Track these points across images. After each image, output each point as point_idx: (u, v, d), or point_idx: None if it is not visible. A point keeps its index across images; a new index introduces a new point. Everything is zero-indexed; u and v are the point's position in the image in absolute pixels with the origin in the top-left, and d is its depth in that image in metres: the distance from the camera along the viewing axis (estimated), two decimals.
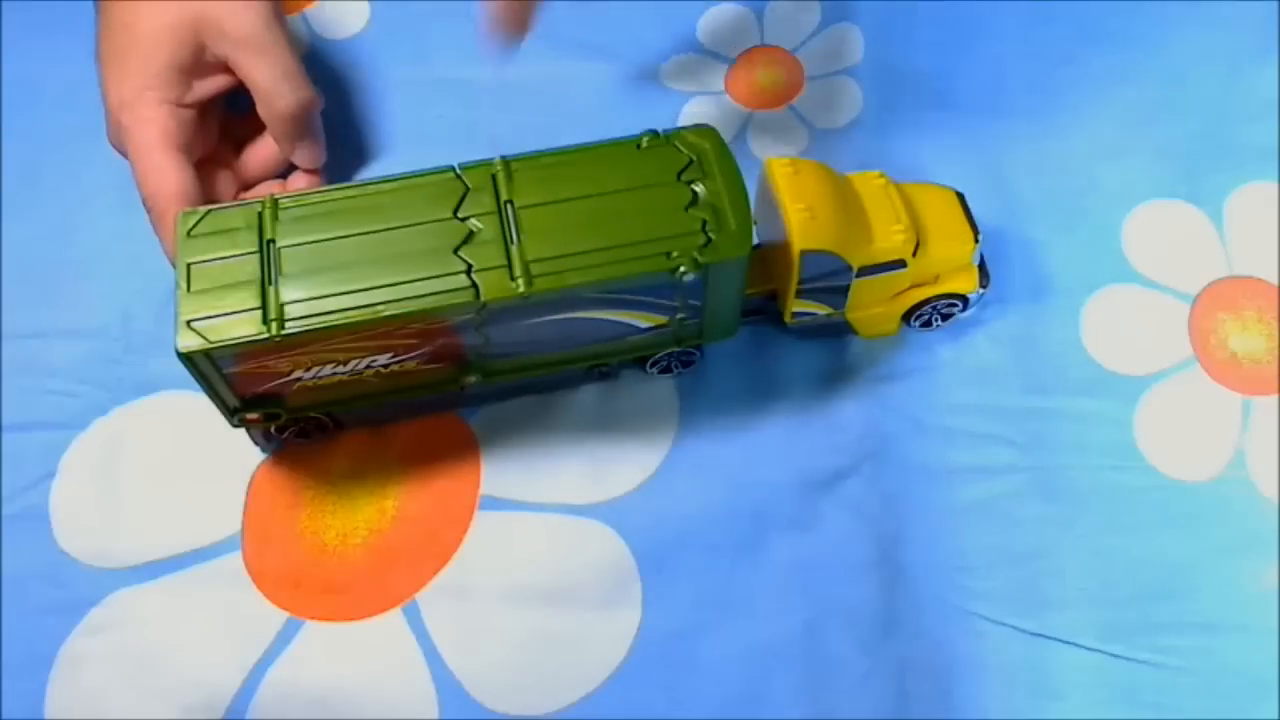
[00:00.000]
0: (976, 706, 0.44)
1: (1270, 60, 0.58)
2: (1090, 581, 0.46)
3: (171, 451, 0.48)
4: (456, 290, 0.40)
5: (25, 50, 0.58)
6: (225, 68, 0.48)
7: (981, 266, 0.49)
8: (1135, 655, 0.45)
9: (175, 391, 0.49)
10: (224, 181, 0.51)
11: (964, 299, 0.49)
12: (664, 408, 0.49)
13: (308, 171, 0.52)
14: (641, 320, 0.44)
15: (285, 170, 0.53)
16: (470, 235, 0.41)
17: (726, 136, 0.56)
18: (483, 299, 0.40)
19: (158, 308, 0.50)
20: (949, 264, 0.48)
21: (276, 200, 0.42)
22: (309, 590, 0.46)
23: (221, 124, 0.52)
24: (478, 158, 0.43)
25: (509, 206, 0.42)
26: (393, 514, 0.47)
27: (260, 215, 0.42)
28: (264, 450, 0.48)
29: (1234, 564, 0.46)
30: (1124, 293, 0.52)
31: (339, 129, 0.56)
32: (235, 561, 0.46)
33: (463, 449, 0.48)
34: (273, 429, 0.46)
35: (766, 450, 0.48)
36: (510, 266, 0.40)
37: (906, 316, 0.50)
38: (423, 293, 0.40)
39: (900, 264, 0.46)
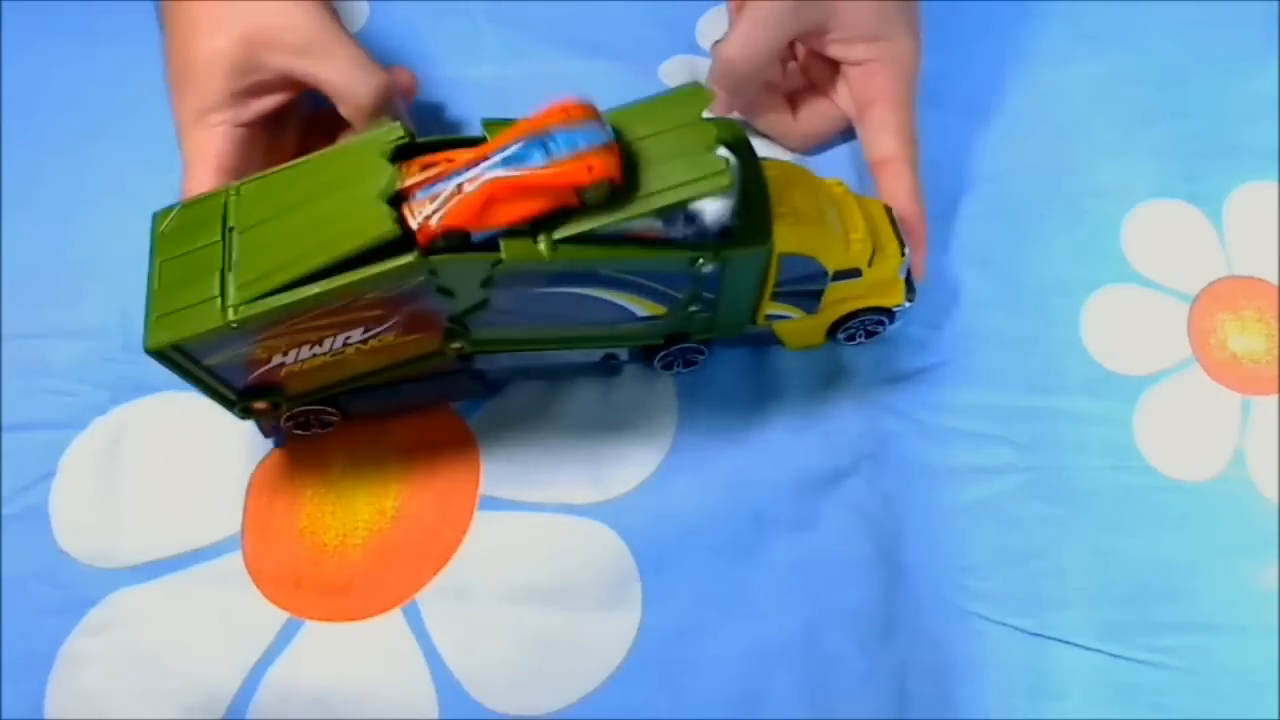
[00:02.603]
0: (976, 706, 0.44)
1: (1270, 60, 0.58)
2: (1090, 581, 0.46)
3: (171, 451, 0.48)
4: (403, 258, 0.38)
5: (25, 51, 0.58)
6: (285, 79, 0.47)
7: (907, 280, 0.48)
8: (1135, 655, 0.45)
9: (175, 392, 0.49)
10: None
11: (890, 313, 0.49)
12: (663, 407, 0.49)
13: None
14: (639, 307, 0.44)
15: None
16: None
17: None
18: (432, 265, 0.38)
19: None
20: (877, 277, 0.48)
21: (240, 185, 0.41)
22: (309, 590, 0.46)
23: (309, 120, 0.52)
24: None
25: None
26: (392, 514, 0.47)
27: (225, 203, 0.41)
28: (276, 443, 0.48)
29: (1234, 564, 0.46)
30: (1124, 293, 0.52)
31: (337, 129, 0.56)
32: (235, 561, 0.46)
33: (462, 449, 0.48)
34: (280, 421, 0.45)
35: (766, 450, 0.48)
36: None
37: (833, 329, 0.49)
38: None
39: (856, 273, 0.46)
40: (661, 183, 0.38)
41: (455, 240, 0.38)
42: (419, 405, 0.49)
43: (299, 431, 0.47)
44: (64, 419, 0.49)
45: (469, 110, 0.57)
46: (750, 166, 0.42)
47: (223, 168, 0.46)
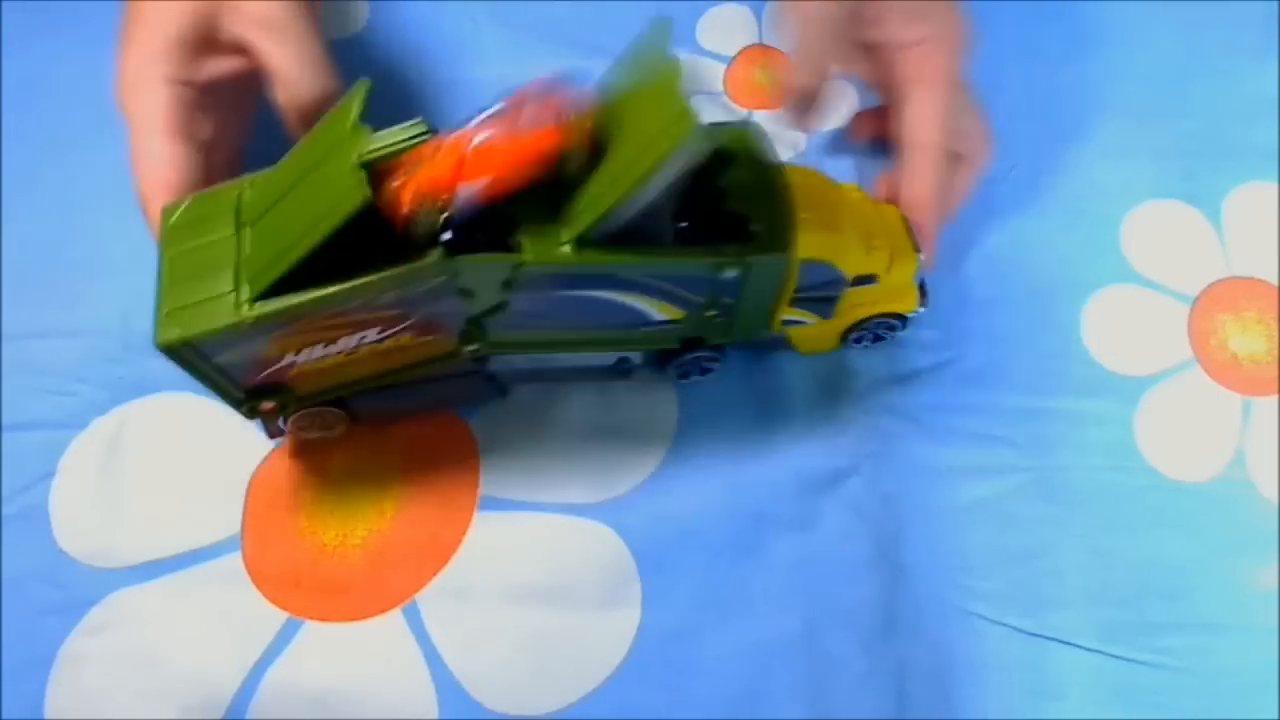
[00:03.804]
0: (976, 706, 0.44)
1: (1270, 60, 0.58)
2: (1090, 581, 0.46)
3: (171, 451, 0.48)
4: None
5: (25, 50, 0.58)
6: (239, 49, 0.46)
7: (921, 285, 0.48)
8: (1134, 655, 0.45)
9: (175, 392, 0.49)
10: None
11: (902, 318, 0.48)
12: (663, 407, 0.49)
13: None
14: (657, 310, 0.43)
15: None
16: None
17: None
18: (456, 267, 0.38)
19: None
20: (893, 283, 0.47)
21: (254, 180, 0.40)
22: (309, 590, 0.46)
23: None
24: None
25: None
26: (392, 514, 0.47)
27: (239, 197, 0.40)
28: (276, 443, 0.48)
29: (1233, 564, 0.46)
30: (1124, 293, 0.52)
31: None
32: (235, 561, 0.46)
33: (462, 449, 0.48)
34: (286, 421, 0.45)
35: (766, 450, 0.48)
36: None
37: (845, 334, 0.49)
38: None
39: (873, 279, 0.46)
40: (633, 146, 0.37)
41: (439, 214, 0.36)
42: (429, 409, 0.48)
43: (302, 434, 0.47)
44: (64, 419, 0.49)
45: (469, 110, 0.57)
46: (771, 171, 0.42)
47: (175, 131, 0.44)
